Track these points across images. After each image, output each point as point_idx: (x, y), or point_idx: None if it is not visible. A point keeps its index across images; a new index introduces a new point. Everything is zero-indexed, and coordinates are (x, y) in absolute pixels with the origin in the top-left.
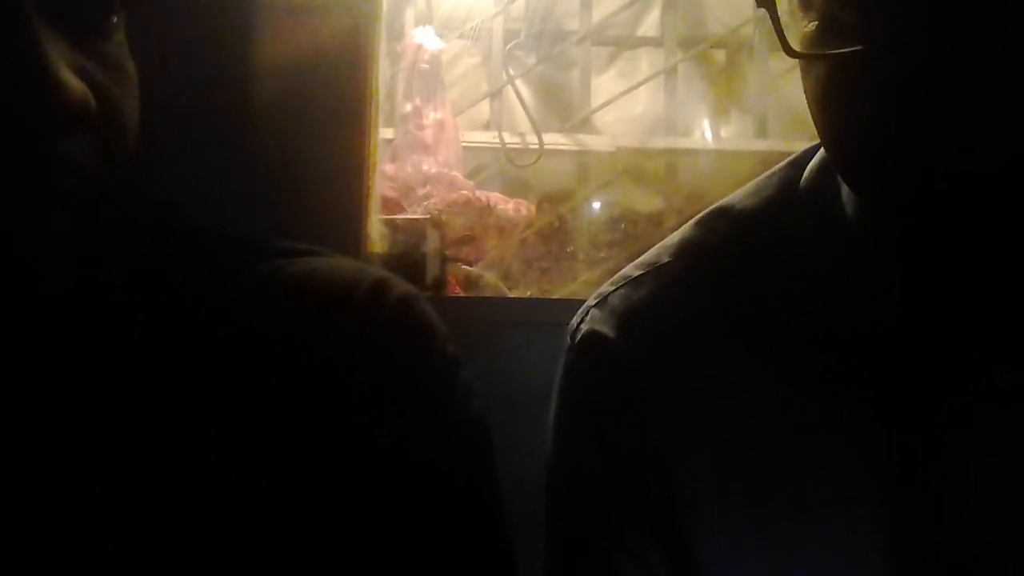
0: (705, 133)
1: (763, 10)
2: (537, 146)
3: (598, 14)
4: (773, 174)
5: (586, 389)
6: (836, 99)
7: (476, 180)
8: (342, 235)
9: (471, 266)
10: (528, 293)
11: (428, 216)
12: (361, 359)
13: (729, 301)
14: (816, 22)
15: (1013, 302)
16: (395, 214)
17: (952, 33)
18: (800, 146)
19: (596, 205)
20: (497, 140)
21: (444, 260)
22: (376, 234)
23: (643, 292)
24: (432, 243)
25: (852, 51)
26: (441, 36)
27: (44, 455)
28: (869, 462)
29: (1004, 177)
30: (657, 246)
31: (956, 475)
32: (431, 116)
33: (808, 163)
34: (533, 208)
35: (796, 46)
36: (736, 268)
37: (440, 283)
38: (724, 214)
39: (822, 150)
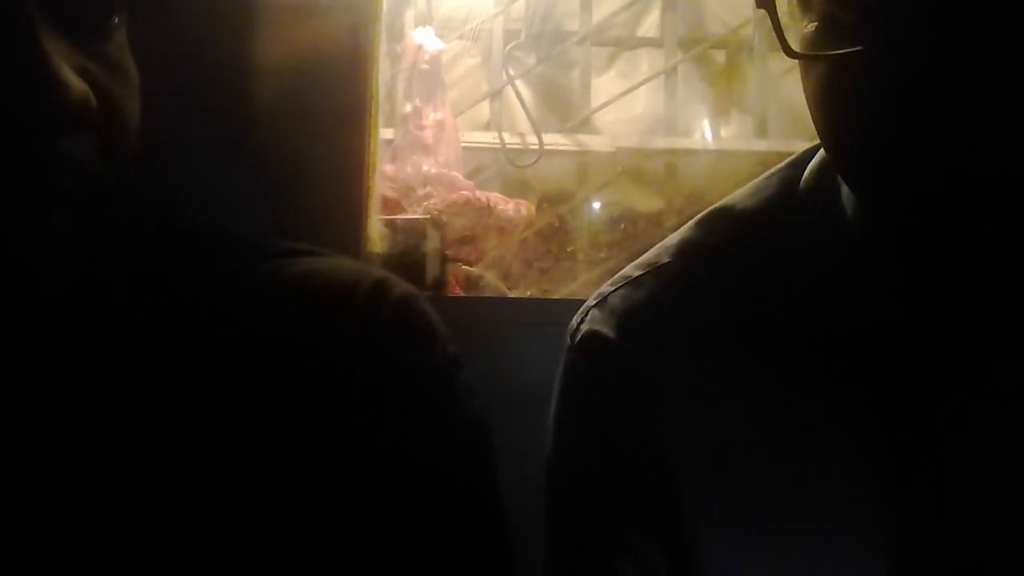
0: (705, 133)
1: (763, 11)
2: (537, 146)
3: (598, 15)
4: (773, 174)
5: (586, 389)
6: (836, 100)
7: (476, 180)
8: (342, 235)
9: (471, 266)
10: (528, 293)
11: (428, 216)
12: (362, 359)
13: (729, 301)
14: (816, 23)
15: (1013, 302)
16: (395, 214)
17: (952, 33)
18: (800, 146)
19: (596, 205)
20: (497, 140)
21: (444, 260)
22: (376, 234)
23: (643, 292)
24: (432, 243)
25: (852, 52)
26: (441, 37)
27: (45, 455)
28: (869, 462)
29: (1004, 177)
30: (657, 246)
31: (956, 475)
32: (431, 116)
33: (808, 163)
34: (533, 208)
35: (796, 47)
36: (736, 268)
37: (440, 283)
38: (724, 214)
39: (822, 150)
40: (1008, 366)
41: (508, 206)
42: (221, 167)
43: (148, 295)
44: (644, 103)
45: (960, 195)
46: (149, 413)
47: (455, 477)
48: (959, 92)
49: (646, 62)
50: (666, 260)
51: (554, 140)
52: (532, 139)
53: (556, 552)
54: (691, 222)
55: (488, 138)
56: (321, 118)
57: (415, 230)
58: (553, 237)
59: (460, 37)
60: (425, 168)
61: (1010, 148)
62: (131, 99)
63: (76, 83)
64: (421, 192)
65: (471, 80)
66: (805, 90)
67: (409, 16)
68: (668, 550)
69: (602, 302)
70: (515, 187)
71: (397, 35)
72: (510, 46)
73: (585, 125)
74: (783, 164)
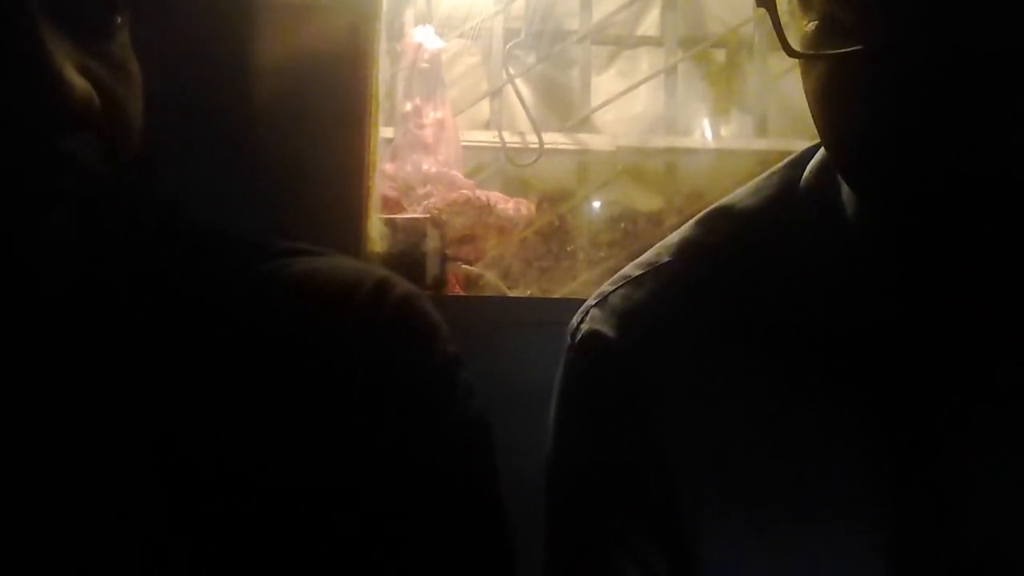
0: (705, 132)
1: (763, 10)
2: (537, 145)
3: (598, 13)
4: (773, 174)
5: (586, 389)
6: (836, 99)
7: (476, 179)
8: (342, 234)
9: (471, 265)
10: (528, 292)
11: (428, 215)
12: (363, 358)
13: (729, 300)
14: (816, 22)
15: (1013, 302)
16: (395, 213)
17: (952, 34)
18: (800, 146)
19: (596, 204)
20: (497, 139)
21: (444, 259)
22: (376, 233)
23: (643, 292)
24: (432, 242)
25: (852, 51)
26: (441, 35)
27: (45, 455)
28: (869, 462)
29: (1003, 178)
30: (657, 245)
31: (956, 475)
32: (431, 115)
33: (808, 163)
34: (533, 207)
35: (796, 46)
36: (736, 267)
37: (440, 282)
38: (724, 213)
39: (822, 150)
40: (1008, 366)
41: (508, 205)
42: (221, 167)
43: (148, 295)
44: (644, 102)
45: (960, 195)
46: (149, 413)
47: (456, 477)
48: (959, 92)
49: (646, 61)
50: (666, 259)
51: (554, 139)
52: (532, 138)
53: (556, 552)
54: (691, 221)
55: (488, 137)
56: (321, 117)
57: (415, 229)
58: (553, 236)
59: (460, 36)
60: (425, 167)
61: (1010, 149)
62: (134, 99)
63: (79, 82)
64: (421, 191)
65: (471, 79)
66: (805, 90)
67: (409, 15)
68: (668, 550)
69: (602, 301)
70: (515, 186)
71: (397, 34)
72: (510, 45)
73: (585, 124)
74: (783, 163)
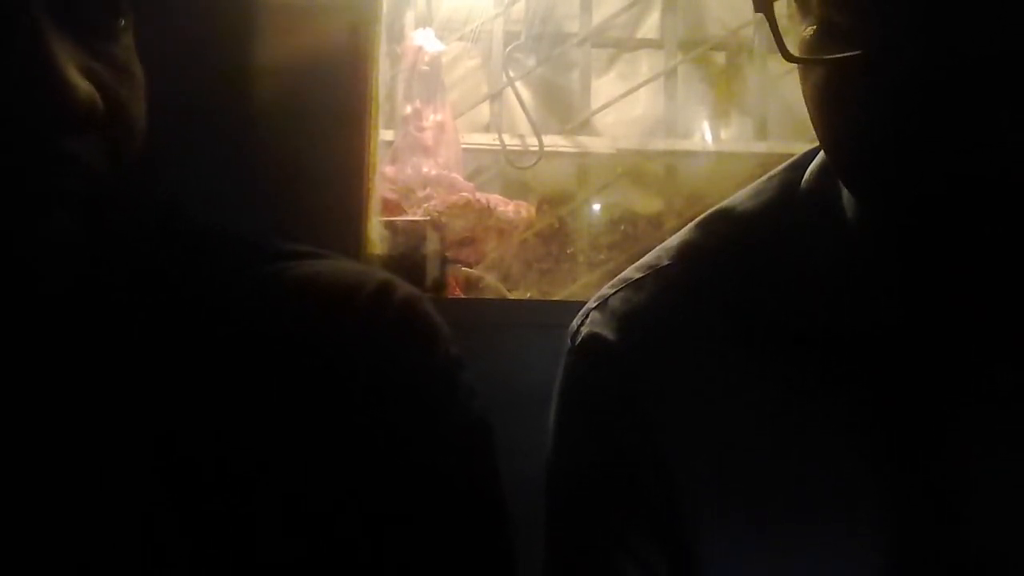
0: (705, 135)
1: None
2: (537, 148)
3: (598, 16)
4: (773, 176)
5: (586, 391)
6: (834, 103)
7: (476, 182)
8: (342, 237)
9: (471, 268)
10: (528, 295)
11: (428, 218)
12: (365, 361)
13: (729, 303)
14: (814, 27)
15: (1013, 304)
16: (395, 216)
17: (949, 37)
18: (800, 148)
19: (596, 207)
20: (497, 142)
21: (444, 262)
22: (376, 236)
23: (643, 295)
24: (432, 245)
25: (850, 56)
26: (441, 38)
27: (45, 455)
28: (869, 462)
29: (1001, 180)
30: (657, 248)
31: (956, 476)
32: (431, 118)
33: (808, 165)
34: (533, 210)
35: (795, 51)
36: (736, 270)
37: (440, 285)
38: (724, 216)
39: (822, 152)
40: (1008, 367)
41: (508, 208)
42: (221, 167)
43: (148, 295)
44: (644, 105)
45: (958, 197)
46: (150, 413)
47: (457, 478)
48: (957, 95)
49: (646, 64)
50: (666, 262)
51: (554, 142)
52: (532, 141)
53: (556, 552)
54: (691, 224)
55: (488, 140)
56: (321, 119)
57: (415, 232)
58: (553, 239)
59: (460, 38)
60: (425, 170)
61: (1007, 150)
62: (137, 100)
63: (82, 84)
64: (421, 194)
65: (471, 81)
66: (804, 93)
67: (409, 17)
68: (668, 550)
69: (602, 304)
70: (515, 189)
71: (397, 36)
72: (510, 48)
73: (585, 127)
74: (783, 166)
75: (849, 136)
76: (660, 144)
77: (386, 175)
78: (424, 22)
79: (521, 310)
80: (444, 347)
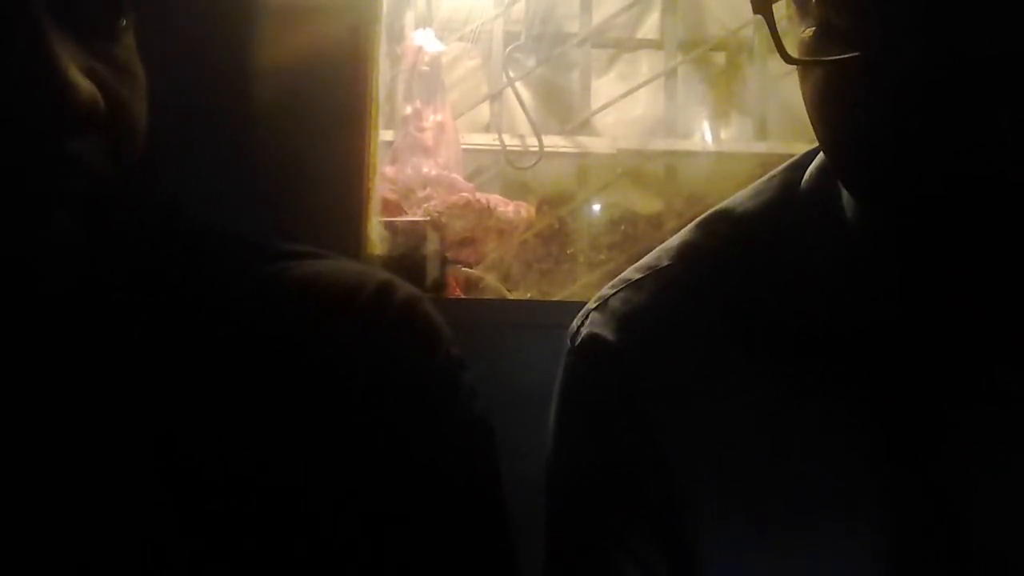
0: (705, 135)
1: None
2: (537, 148)
3: (598, 16)
4: (773, 177)
5: (586, 391)
6: (834, 104)
7: (476, 182)
8: (342, 237)
9: (471, 268)
10: (528, 295)
11: (428, 218)
12: (365, 361)
13: (729, 303)
14: (813, 28)
15: (1013, 304)
16: (395, 216)
17: (948, 37)
18: (800, 148)
19: (596, 207)
20: (497, 142)
21: (444, 262)
22: (376, 236)
23: (643, 295)
24: (432, 245)
25: (849, 57)
26: (441, 38)
27: (45, 455)
28: (869, 463)
29: (1001, 180)
30: (657, 249)
31: (956, 476)
32: (431, 118)
33: (808, 166)
34: (533, 210)
35: (794, 52)
36: (736, 270)
37: (440, 285)
38: (724, 217)
39: (822, 153)
40: (1008, 368)
41: (508, 208)
42: (221, 167)
43: (149, 295)
44: (644, 105)
45: (958, 198)
46: (150, 413)
47: (458, 478)
48: (956, 95)
49: (646, 64)
50: (666, 263)
51: (554, 142)
52: (532, 141)
53: (556, 553)
54: (691, 224)
55: (488, 140)
56: (321, 119)
57: (415, 232)
58: (553, 239)
59: (460, 39)
60: (425, 170)
61: (1007, 151)
62: (138, 101)
63: (84, 84)
64: (421, 194)
65: (471, 82)
66: (803, 94)
67: (409, 18)
68: (668, 550)
69: (602, 305)
70: (515, 189)
71: (397, 37)
72: (510, 48)
73: (585, 127)
74: (783, 166)
75: (848, 137)
76: (660, 144)
77: (386, 175)
78: (424, 22)
79: (521, 310)
80: (445, 348)
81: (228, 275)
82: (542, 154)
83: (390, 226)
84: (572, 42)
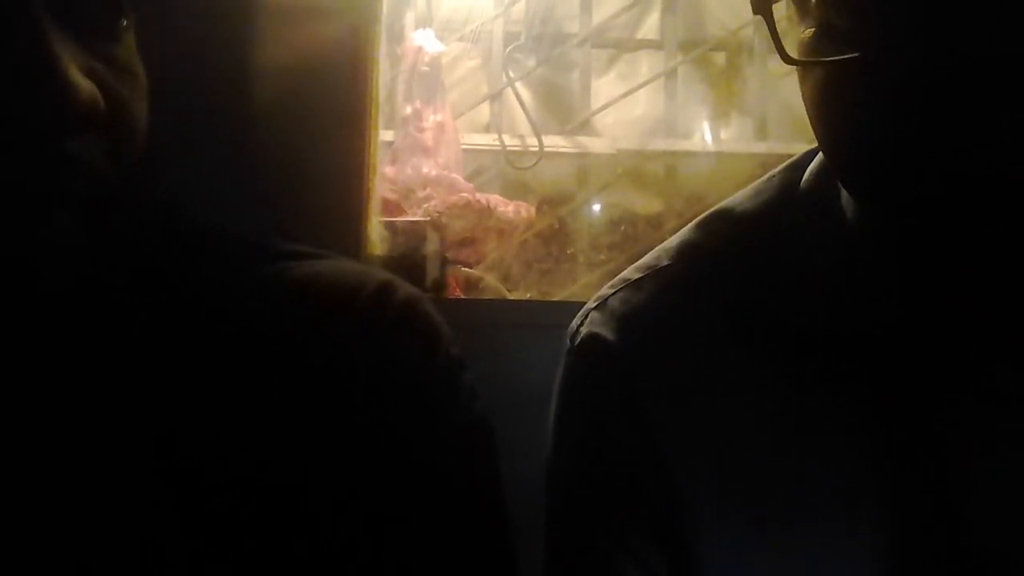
0: (705, 135)
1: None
2: (537, 148)
3: (598, 16)
4: (773, 176)
5: (586, 391)
6: (833, 104)
7: (476, 182)
8: (342, 237)
9: (471, 268)
10: (528, 295)
11: (428, 218)
12: (366, 361)
13: (729, 303)
14: (813, 28)
15: (1012, 303)
16: (395, 216)
17: (948, 37)
18: (800, 148)
19: (596, 207)
20: (497, 142)
21: (444, 262)
22: (376, 236)
23: (643, 295)
24: (432, 245)
25: (848, 57)
26: (441, 38)
27: (45, 455)
28: (869, 462)
29: (1001, 180)
30: (657, 248)
31: (956, 475)
32: (431, 118)
33: (808, 166)
34: (533, 210)
35: (794, 53)
36: (736, 270)
37: (440, 285)
38: (724, 216)
39: (821, 153)
40: (1008, 367)
41: (508, 208)
42: (221, 167)
43: (149, 295)
44: (644, 105)
45: (958, 198)
46: (150, 413)
47: (458, 479)
48: (956, 95)
49: (646, 64)
50: (666, 262)
51: (554, 142)
52: (532, 141)
53: (556, 553)
54: (691, 224)
55: (488, 140)
56: (321, 119)
57: (415, 232)
58: (553, 239)
59: (460, 39)
60: (425, 170)
61: (1006, 151)
62: (139, 101)
63: (84, 84)
64: (421, 194)
65: (471, 82)
66: (803, 94)
67: (409, 18)
68: (668, 550)
69: (602, 304)
70: (515, 189)
71: (397, 37)
72: (510, 48)
73: (585, 127)
74: (783, 166)
75: (848, 137)
76: (660, 144)
77: (386, 175)
78: (424, 23)
79: (521, 310)
80: (445, 348)
81: (228, 275)
82: (542, 154)
83: (390, 226)
84: (572, 42)
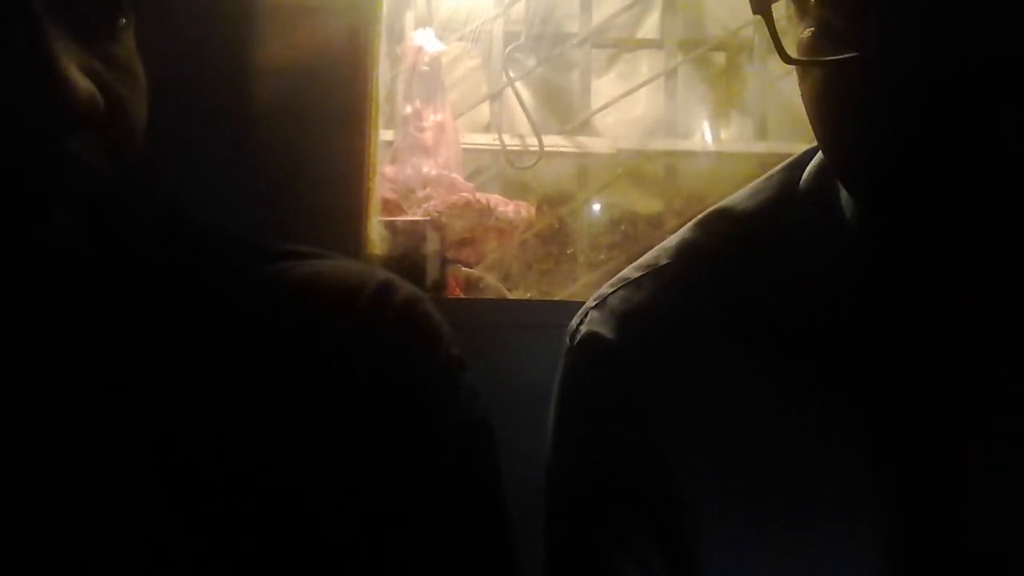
0: (705, 135)
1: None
2: (537, 148)
3: (598, 16)
4: (772, 176)
5: (586, 390)
6: (833, 104)
7: (476, 182)
8: (342, 237)
9: (471, 268)
10: (528, 295)
11: (428, 218)
12: (366, 361)
13: (728, 302)
14: (812, 28)
15: (1012, 302)
16: (395, 216)
17: (948, 37)
18: (799, 148)
19: (596, 207)
20: (497, 142)
21: (444, 262)
22: (376, 236)
23: (642, 294)
24: (432, 245)
25: (848, 57)
26: (441, 38)
27: (45, 454)
28: (869, 462)
29: (1000, 180)
30: (656, 248)
31: (956, 475)
32: (431, 118)
33: (807, 165)
34: (533, 210)
35: (793, 52)
36: (735, 269)
37: (440, 285)
38: (724, 216)
39: (821, 152)
40: (1008, 366)
41: (508, 208)
42: (221, 167)
43: (149, 295)
44: (644, 105)
45: (957, 198)
46: (151, 413)
47: (458, 478)
48: (955, 95)
49: (646, 64)
50: (665, 261)
51: (554, 142)
52: (532, 141)
53: (556, 553)
54: (690, 223)
55: (488, 140)
56: (321, 119)
57: (415, 232)
58: (553, 239)
59: (460, 39)
60: (425, 170)
61: (1006, 151)
62: (138, 100)
63: (83, 83)
64: (421, 194)
65: (471, 82)
66: (802, 94)
67: (409, 18)
68: (668, 550)
69: (601, 304)
70: (515, 189)
71: (397, 37)
72: (510, 48)
73: (585, 127)
74: (782, 165)
75: (848, 136)
76: (660, 144)
77: (386, 175)
78: (424, 22)
79: (521, 310)
80: (445, 347)
81: (228, 275)
82: (542, 154)
83: (390, 226)
84: (572, 42)
